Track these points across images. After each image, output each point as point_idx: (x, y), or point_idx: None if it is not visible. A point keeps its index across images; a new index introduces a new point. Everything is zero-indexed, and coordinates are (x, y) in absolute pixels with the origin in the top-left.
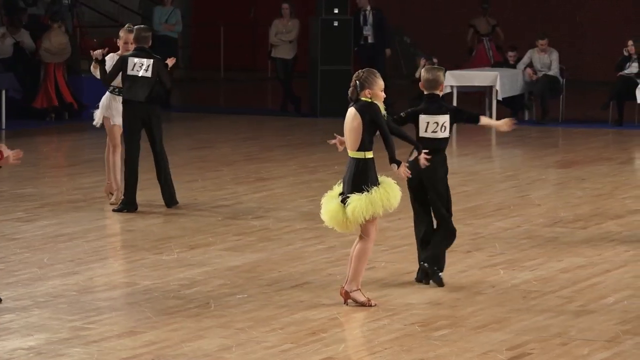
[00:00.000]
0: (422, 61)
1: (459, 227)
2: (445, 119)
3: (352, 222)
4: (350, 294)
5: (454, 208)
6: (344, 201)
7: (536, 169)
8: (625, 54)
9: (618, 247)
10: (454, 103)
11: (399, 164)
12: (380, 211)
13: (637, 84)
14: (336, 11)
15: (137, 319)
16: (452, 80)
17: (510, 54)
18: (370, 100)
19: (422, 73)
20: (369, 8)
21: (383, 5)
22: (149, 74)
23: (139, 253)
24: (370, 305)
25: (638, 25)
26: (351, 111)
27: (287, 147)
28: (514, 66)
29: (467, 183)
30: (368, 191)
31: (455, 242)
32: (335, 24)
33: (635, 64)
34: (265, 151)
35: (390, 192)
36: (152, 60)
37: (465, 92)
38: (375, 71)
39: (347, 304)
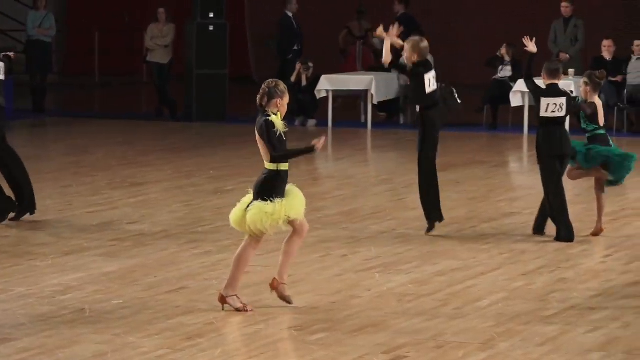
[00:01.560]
0: (298, 65)
1: (335, 230)
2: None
3: (249, 228)
4: (227, 298)
5: (330, 211)
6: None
7: (411, 172)
8: (498, 54)
9: (492, 250)
10: (330, 107)
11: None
12: (281, 222)
13: (511, 88)
14: (212, 15)
15: (11, 326)
16: (327, 84)
17: None
18: (271, 114)
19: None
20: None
21: (262, 11)
22: None
23: (12, 259)
24: (246, 311)
25: (513, 30)
26: (259, 122)
27: (163, 151)
28: (389, 70)
29: (342, 187)
30: (272, 201)
31: (331, 245)
32: (211, 28)
33: (508, 67)
34: (140, 156)
35: (292, 203)
36: None
37: (341, 96)
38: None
39: (223, 309)
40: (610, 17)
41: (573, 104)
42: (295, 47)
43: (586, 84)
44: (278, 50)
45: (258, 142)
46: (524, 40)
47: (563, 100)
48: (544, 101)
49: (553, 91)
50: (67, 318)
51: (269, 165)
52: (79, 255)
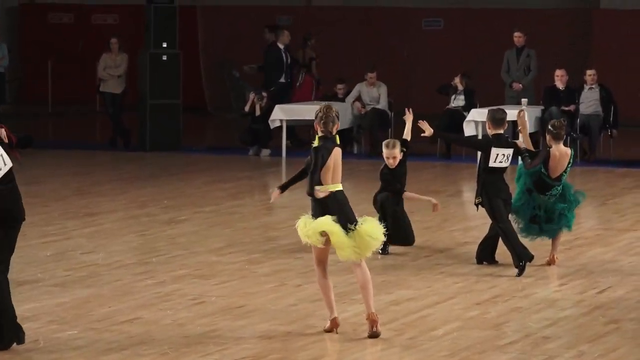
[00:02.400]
0: (251, 95)
1: (289, 261)
2: None
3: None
4: (377, 317)
5: (284, 241)
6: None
7: (365, 202)
8: (452, 84)
9: (447, 279)
10: (283, 137)
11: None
12: None
13: (464, 117)
14: (165, 45)
15: None
16: (281, 114)
17: (339, 86)
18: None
19: None
20: None
21: (218, 40)
22: None
23: None
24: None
25: (465, 61)
26: (339, 149)
27: (117, 181)
28: (342, 99)
29: (296, 217)
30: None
31: (286, 275)
32: (164, 57)
33: (461, 97)
34: (94, 186)
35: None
36: None
37: (295, 126)
38: None
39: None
40: (563, 47)
41: (520, 156)
42: (282, 80)
43: (548, 131)
44: (265, 80)
45: (337, 167)
46: (419, 124)
47: (510, 151)
48: (494, 151)
49: (502, 142)
50: (21, 348)
51: (340, 187)
52: (33, 285)
